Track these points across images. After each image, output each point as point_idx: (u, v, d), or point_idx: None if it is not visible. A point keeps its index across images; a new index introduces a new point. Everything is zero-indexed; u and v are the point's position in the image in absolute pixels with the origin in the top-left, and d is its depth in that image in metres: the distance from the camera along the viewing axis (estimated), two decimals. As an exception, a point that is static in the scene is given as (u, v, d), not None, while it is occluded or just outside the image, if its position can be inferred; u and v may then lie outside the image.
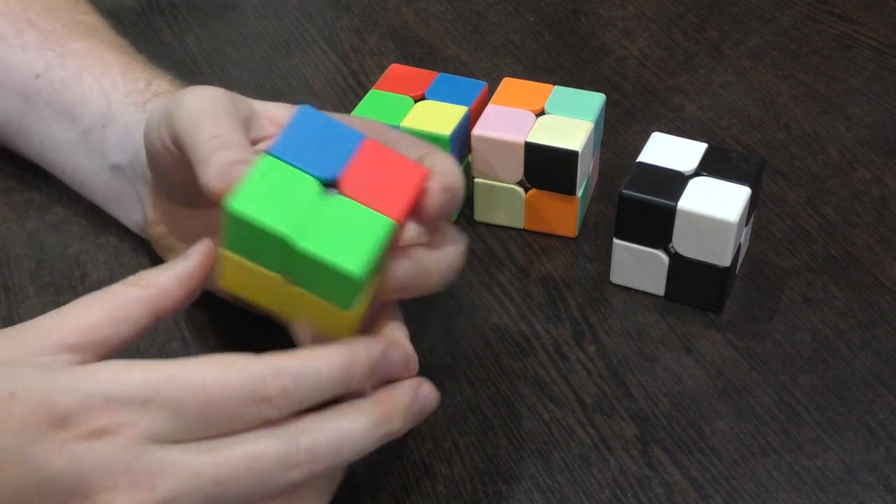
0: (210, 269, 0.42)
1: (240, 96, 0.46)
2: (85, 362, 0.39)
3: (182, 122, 0.44)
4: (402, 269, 0.42)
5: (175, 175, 0.47)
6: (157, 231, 0.53)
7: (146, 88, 0.54)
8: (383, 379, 0.42)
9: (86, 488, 0.36)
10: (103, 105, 0.54)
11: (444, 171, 0.43)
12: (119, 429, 0.36)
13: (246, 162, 0.40)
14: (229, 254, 0.40)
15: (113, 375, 0.37)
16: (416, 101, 0.60)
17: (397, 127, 0.58)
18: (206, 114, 0.43)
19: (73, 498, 0.36)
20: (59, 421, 0.36)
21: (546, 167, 0.57)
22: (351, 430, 0.39)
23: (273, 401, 0.37)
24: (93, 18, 0.60)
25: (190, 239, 0.51)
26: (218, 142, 0.42)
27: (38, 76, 0.57)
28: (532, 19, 0.78)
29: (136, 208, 0.55)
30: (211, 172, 0.40)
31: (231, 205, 0.38)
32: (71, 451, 0.36)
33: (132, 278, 0.41)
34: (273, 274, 0.40)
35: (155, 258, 0.57)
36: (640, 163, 0.55)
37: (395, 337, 0.43)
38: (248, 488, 0.37)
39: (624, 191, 0.53)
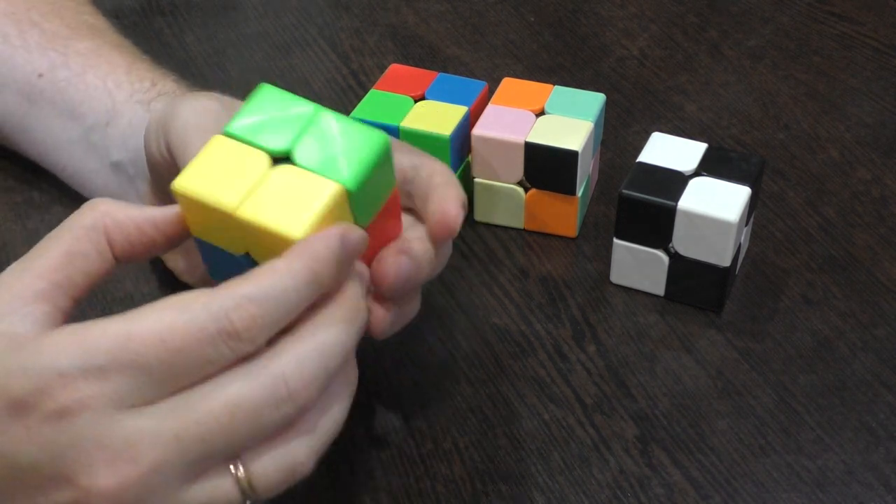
0: (182, 228, 0.40)
1: (228, 100, 0.47)
2: (56, 311, 0.37)
3: (174, 134, 0.45)
4: (402, 268, 0.42)
5: (171, 181, 0.47)
6: None
7: (151, 88, 0.54)
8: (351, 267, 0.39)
9: (65, 471, 0.34)
10: (107, 103, 0.54)
11: (447, 183, 0.44)
12: (82, 404, 0.34)
13: None
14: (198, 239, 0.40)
15: (62, 347, 0.34)
16: (416, 101, 0.60)
17: (397, 127, 0.58)
18: (195, 127, 0.44)
19: (55, 483, 0.34)
20: (19, 406, 0.34)
21: (546, 167, 0.57)
22: (331, 340, 0.37)
23: (242, 334, 0.35)
24: (97, 20, 0.61)
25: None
26: None
27: (41, 75, 0.57)
28: (532, 19, 0.78)
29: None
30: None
31: (174, 184, 0.38)
32: (38, 435, 0.34)
33: (88, 202, 0.39)
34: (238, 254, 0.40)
35: (154, 258, 0.57)
36: (640, 163, 0.55)
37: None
38: (239, 436, 0.35)
39: (624, 191, 0.53)
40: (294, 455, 0.37)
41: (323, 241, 0.37)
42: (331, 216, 0.38)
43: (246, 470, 0.36)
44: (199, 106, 0.45)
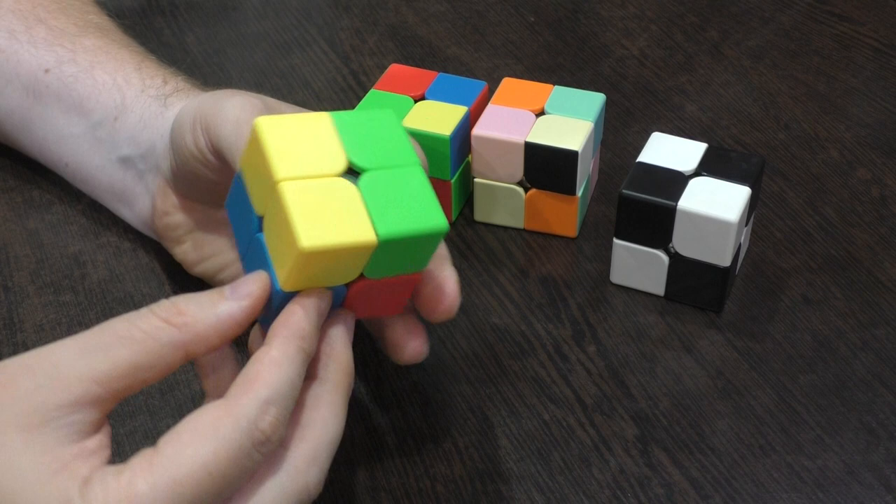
0: (258, 312, 0.40)
1: (271, 101, 0.47)
2: (101, 416, 0.37)
3: (225, 130, 0.44)
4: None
5: (204, 177, 0.48)
6: (165, 223, 0.53)
7: (164, 85, 0.54)
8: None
9: None
10: (116, 98, 0.54)
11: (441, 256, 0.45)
12: None
13: None
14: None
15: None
16: (416, 101, 0.60)
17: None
18: (246, 122, 0.43)
19: None
20: None
21: (546, 167, 0.57)
22: (339, 432, 0.40)
23: (272, 438, 0.37)
24: (103, 19, 0.61)
25: (200, 230, 0.51)
26: None
27: (47, 71, 0.57)
28: (532, 19, 0.78)
29: (141, 202, 0.55)
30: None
31: (259, 119, 0.39)
32: None
33: (167, 310, 0.38)
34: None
35: (154, 258, 0.57)
36: (640, 163, 0.55)
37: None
38: None
39: (624, 191, 0.53)
40: None
41: (305, 319, 0.39)
42: (345, 254, 0.38)
43: None
44: (244, 101, 0.45)
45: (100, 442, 0.37)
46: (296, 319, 0.39)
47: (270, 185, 0.39)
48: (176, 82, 0.55)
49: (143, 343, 0.37)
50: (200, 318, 0.38)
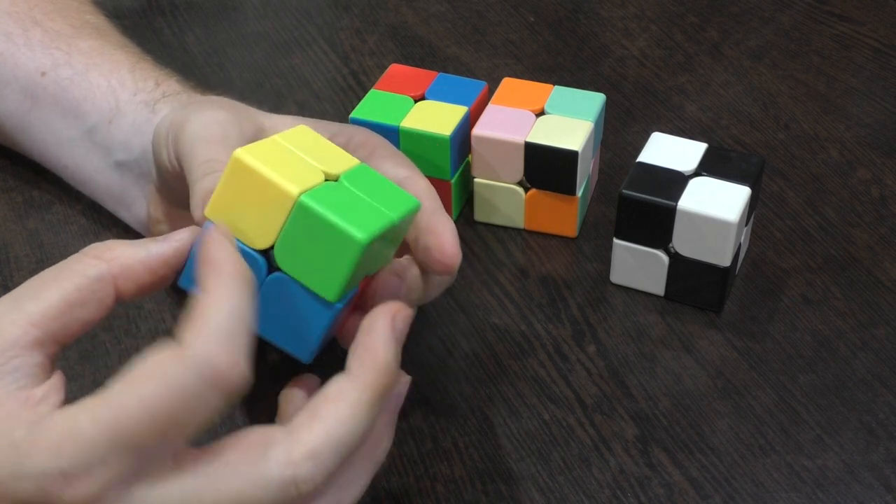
0: (185, 255, 0.40)
1: (249, 114, 0.47)
2: (46, 361, 0.37)
3: (183, 145, 0.45)
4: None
5: (180, 188, 0.47)
6: (160, 230, 0.53)
7: (155, 88, 0.54)
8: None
9: None
10: (110, 102, 0.54)
11: (436, 211, 0.45)
12: (95, 496, 0.34)
13: None
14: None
15: (60, 443, 0.34)
16: (416, 101, 0.60)
17: (397, 127, 0.58)
18: (203, 139, 0.44)
19: None
20: None
21: (546, 167, 0.57)
22: (349, 435, 0.37)
23: (225, 371, 0.35)
24: (99, 20, 0.61)
25: None
26: (204, 168, 0.43)
27: (44, 74, 0.57)
28: (532, 19, 0.78)
29: (139, 205, 0.55)
30: (195, 199, 0.42)
31: (237, 151, 0.40)
32: None
33: (96, 248, 0.39)
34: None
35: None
36: (640, 163, 0.55)
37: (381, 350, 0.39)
38: None
39: (624, 191, 0.53)
40: None
41: (387, 347, 0.38)
42: (393, 235, 0.41)
43: None
44: (207, 118, 0.45)
45: (49, 387, 0.36)
46: (380, 352, 0.38)
47: (279, 206, 0.39)
48: (168, 85, 0.54)
49: (71, 279, 0.37)
50: (129, 254, 0.39)
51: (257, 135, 0.46)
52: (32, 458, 0.34)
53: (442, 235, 0.44)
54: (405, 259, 0.45)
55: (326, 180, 0.41)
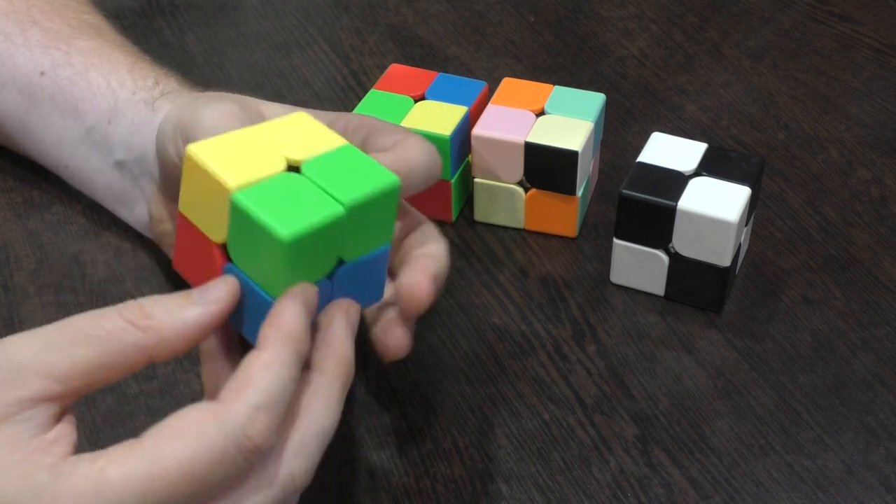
0: (225, 318, 0.39)
1: (252, 104, 0.47)
2: (60, 411, 0.36)
3: (192, 134, 0.44)
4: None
5: None
6: (162, 229, 0.53)
7: (154, 87, 0.54)
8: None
9: None
10: (109, 101, 0.54)
11: (429, 245, 0.45)
12: None
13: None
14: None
15: (86, 495, 0.34)
16: (416, 101, 0.60)
17: (397, 127, 0.58)
18: (213, 129, 0.43)
19: None
20: None
21: (546, 167, 0.57)
22: (331, 423, 0.38)
23: (262, 446, 0.35)
24: (97, 19, 0.61)
25: None
26: None
27: (42, 73, 0.57)
28: (532, 19, 0.78)
29: (139, 205, 0.55)
30: None
31: (189, 146, 0.39)
32: None
33: (133, 311, 0.37)
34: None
35: (154, 258, 0.57)
36: (640, 163, 0.55)
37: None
38: None
39: (624, 191, 0.53)
40: None
41: (296, 317, 0.38)
42: (325, 235, 0.38)
43: None
44: (222, 109, 0.45)
45: (61, 431, 0.36)
46: (286, 319, 0.37)
47: (223, 201, 0.38)
48: (166, 83, 0.54)
49: (106, 343, 0.36)
50: (167, 323, 0.37)
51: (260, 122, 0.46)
52: (56, 499, 0.34)
53: (416, 277, 0.43)
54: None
55: (290, 168, 0.40)
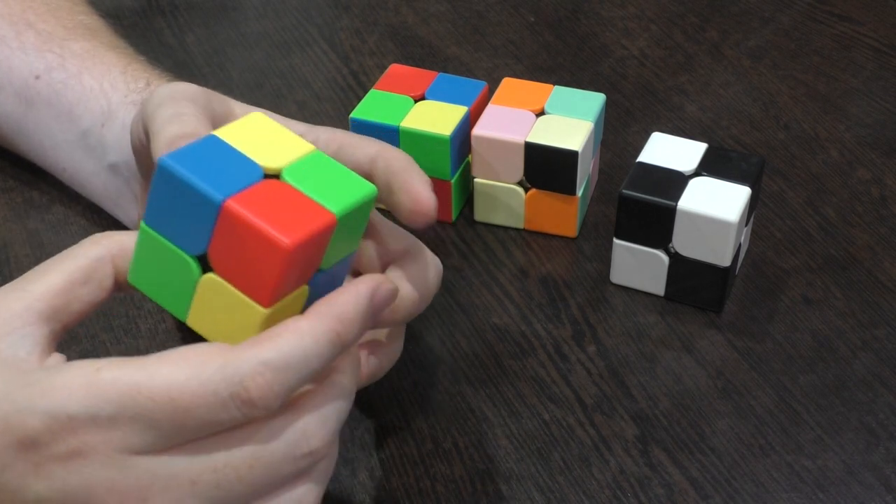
0: None
1: (221, 96, 0.46)
2: (52, 336, 0.37)
3: (148, 109, 0.44)
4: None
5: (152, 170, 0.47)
6: None
7: (146, 88, 0.54)
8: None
9: None
10: (103, 104, 0.54)
11: (407, 168, 0.43)
12: (92, 448, 0.34)
13: (195, 136, 0.40)
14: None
15: (73, 391, 0.34)
16: (416, 101, 0.60)
17: (397, 127, 0.58)
18: (170, 98, 0.43)
19: None
20: (28, 443, 0.34)
21: (546, 167, 0.57)
22: (348, 394, 0.37)
23: (257, 402, 0.34)
24: (92, 20, 0.61)
25: None
26: (171, 117, 0.42)
27: (38, 77, 0.57)
28: (532, 19, 0.78)
29: (133, 207, 0.55)
30: (159, 145, 0.40)
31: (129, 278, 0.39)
32: (47, 473, 0.34)
33: (94, 236, 0.39)
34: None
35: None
36: (640, 163, 0.55)
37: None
38: (254, 486, 0.35)
39: (624, 191, 0.53)
40: (302, 501, 0.37)
41: (352, 299, 0.37)
42: (319, 242, 0.37)
43: None
44: (174, 86, 0.44)
45: (60, 358, 0.37)
46: (343, 300, 0.36)
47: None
48: (158, 84, 0.54)
49: (72, 260, 0.38)
50: (126, 236, 0.39)
51: (228, 117, 0.45)
52: (46, 397, 0.34)
53: (413, 187, 0.42)
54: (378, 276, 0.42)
55: (267, 176, 0.38)
